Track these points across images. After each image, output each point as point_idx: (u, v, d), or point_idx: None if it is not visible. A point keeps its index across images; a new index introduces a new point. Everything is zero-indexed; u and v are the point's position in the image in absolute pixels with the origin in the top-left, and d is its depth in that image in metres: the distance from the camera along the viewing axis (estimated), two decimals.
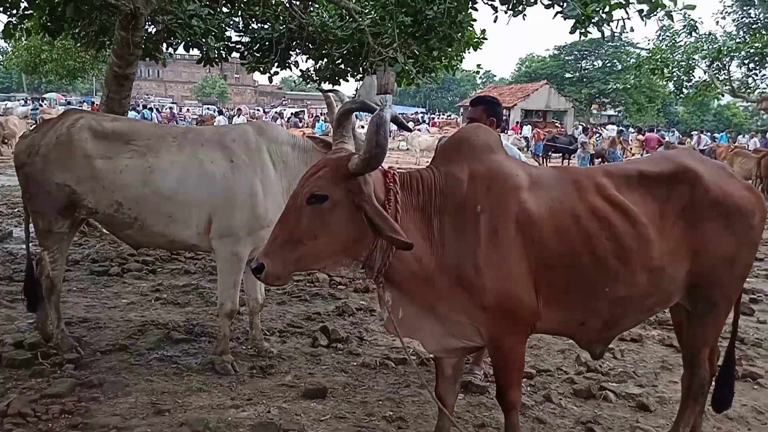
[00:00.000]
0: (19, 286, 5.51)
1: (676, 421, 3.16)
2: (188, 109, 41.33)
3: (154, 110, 29.74)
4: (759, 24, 14.92)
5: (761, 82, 16.05)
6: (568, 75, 51.31)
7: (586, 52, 50.78)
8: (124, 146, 3.89)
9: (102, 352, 4.16)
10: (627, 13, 6.67)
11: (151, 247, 5.30)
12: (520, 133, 26.76)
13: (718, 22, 15.98)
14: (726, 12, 15.94)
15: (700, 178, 2.76)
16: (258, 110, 45.53)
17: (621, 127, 38.19)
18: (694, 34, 15.53)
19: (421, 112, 52.34)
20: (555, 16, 6.71)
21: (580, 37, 6.96)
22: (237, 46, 9.47)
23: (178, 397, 3.59)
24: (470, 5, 7.07)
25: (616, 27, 6.57)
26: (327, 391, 3.73)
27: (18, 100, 43.64)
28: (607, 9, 6.36)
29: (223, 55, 9.41)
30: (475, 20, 8.26)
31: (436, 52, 7.94)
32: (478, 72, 14.37)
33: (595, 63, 51.34)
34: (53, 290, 4.02)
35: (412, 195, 2.53)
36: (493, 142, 2.69)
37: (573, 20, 6.49)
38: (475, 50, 9.49)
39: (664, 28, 15.35)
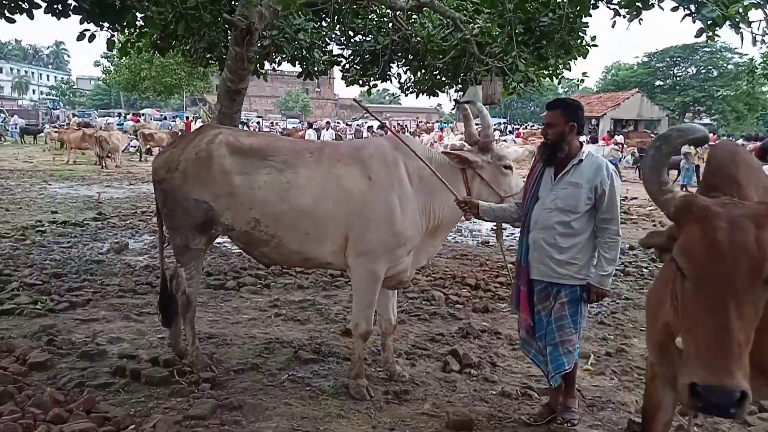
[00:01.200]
0: (143, 299, 5.62)
1: None
2: (273, 123, 42.37)
3: (244, 124, 30.55)
4: None
5: None
6: (659, 83, 49.15)
7: (678, 59, 48.52)
8: (261, 162, 3.81)
9: (234, 371, 4.09)
10: (765, 13, 6.16)
11: (285, 265, 5.25)
12: (613, 143, 25.66)
13: None
14: None
15: None
16: (339, 123, 46.18)
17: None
18: None
19: (504, 123, 51.48)
20: (683, 19, 6.25)
21: (707, 39, 6.46)
22: (339, 60, 9.45)
23: (318, 423, 3.44)
24: (589, 10, 6.68)
25: (757, 28, 6.04)
26: (473, 423, 3.48)
27: (115, 116, 46.21)
28: (740, 9, 5.87)
29: (324, 69, 9.43)
30: (588, 26, 7.87)
31: (553, 59, 7.59)
32: (583, 80, 13.81)
33: (688, 70, 48.91)
34: (189, 307, 3.99)
35: None
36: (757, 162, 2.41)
37: (702, 24, 6.03)
38: (584, 58, 9.05)
39: None
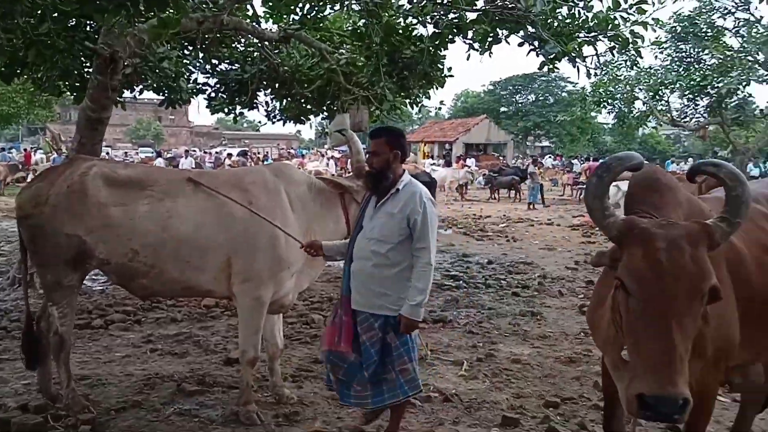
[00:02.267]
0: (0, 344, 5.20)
1: None
2: (126, 153, 40.20)
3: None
4: (692, 58, 15.96)
5: (696, 112, 17.16)
6: (504, 109, 53.06)
7: (520, 87, 52.74)
8: (140, 192, 3.75)
9: (115, 410, 3.92)
10: (596, 49, 7.05)
11: (164, 296, 5.13)
12: (468, 166, 27.33)
13: (656, 56, 17.05)
14: (662, 47, 17.00)
15: None
16: (195, 151, 44.82)
17: (550, 157, 39.90)
18: (635, 68, 16.49)
19: (363, 149, 52.73)
20: (528, 53, 6.97)
21: (549, 71, 7.26)
22: (204, 88, 9.35)
23: None
24: (449, 43, 7.24)
25: (590, 63, 6.89)
26: None
27: None
28: (576, 46, 6.68)
29: (188, 97, 9.28)
30: (445, 58, 8.46)
31: (415, 89, 8.08)
32: (440, 108, 14.64)
33: (529, 97, 53.32)
34: (63, 347, 3.78)
35: None
36: (675, 180, 2.58)
37: (543, 58, 6.78)
38: (442, 87, 9.69)
39: (606, 63, 16.26)
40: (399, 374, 3.29)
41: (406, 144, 3.50)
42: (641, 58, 14.56)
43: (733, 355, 2.47)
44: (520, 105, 53.27)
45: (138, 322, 6.05)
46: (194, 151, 44.83)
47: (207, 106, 9.91)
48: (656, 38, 16.35)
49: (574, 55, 6.38)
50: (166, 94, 8.66)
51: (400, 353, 3.28)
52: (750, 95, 15.94)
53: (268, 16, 8.24)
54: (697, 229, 2.02)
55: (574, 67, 6.69)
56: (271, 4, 7.90)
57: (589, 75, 6.81)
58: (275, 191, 3.94)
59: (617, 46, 6.41)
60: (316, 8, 7.54)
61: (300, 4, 7.68)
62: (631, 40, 6.32)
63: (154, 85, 8.25)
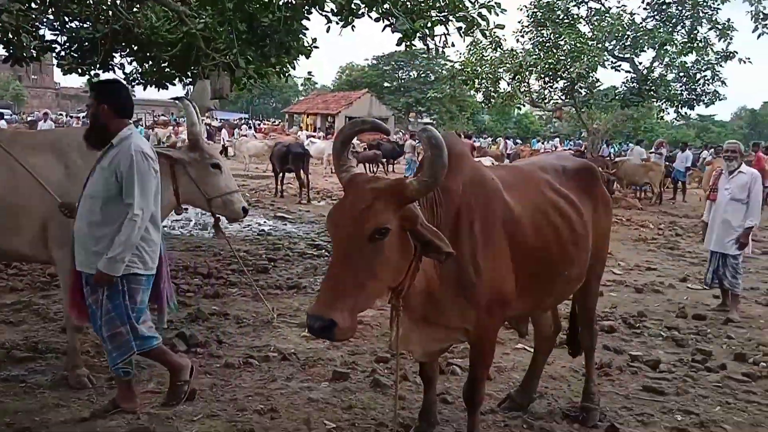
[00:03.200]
0: None
1: (589, 371, 3.77)
2: None
3: None
4: (550, 43, 17.03)
5: (554, 94, 18.39)
6: (386, 84, 53.64)
7: (402, 63, 53.48)
8: None
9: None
10: (447, 29, 7.40)
11: None
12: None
13: (518, 39, 18.04)
14: (524, 31, 17.98)
15: (597, 173, 3.47)
16: (62, 115, 41.72)
17: None
18: (498, 50, 17.35)
19: (245, 118, 51.51)
20: (384, 29, 7.19)
21: (406, 48, 7.56)
22: (53, 46, 8.77)
23: (34, 414, 3.41)
24: (305, 15, 7.29)
25: (439, 42, 7.24)
26: (195, 393, 3.75)
27: None
28: (429, 25, 7.00)
29: (34, 55, 8.68)
30: (307, 29, 8.49)
31: (273, 59, 8.07)
32: (309, 79, 14.62)
33: (411, 73, 54.22)
34: None
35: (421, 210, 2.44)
36: (467, 150, 2.84)
37: (400, 34, 7.03)
38: (307, 58, 9.67)
39: (474, 42, 16.95)
40: (109, 340, 3.20)
41: (123, 97, 3.31)
42: (486, 39, 15.29)
43: (508, 305, 2.81)
44: (402, 81, 54.11)
45: None
46: (61, 114, 41.78)
47: (57, 66, 9.33)
48: (518, 22, 17.39)
49: (425, 34, 6.66)
50: (11, 51, 8.07)
51: (111, 317, 3.17)
52: (598, 80, 17.35)
53: None
54: (391, 184, 2.27)
55: (425, 44, 6.98)
56: None
57: (436, 52, 7.15)
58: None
59: (464, 26, 6.76)
60: None
61: None
62: (476, 22, 6.69)
63: None
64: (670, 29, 17.10)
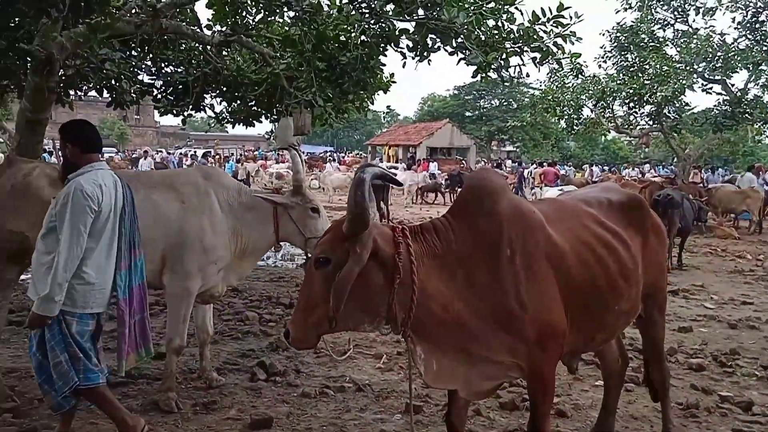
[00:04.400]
0: None
1: (664, 411, 3.69)
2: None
3: (53, 154, 28.22)
4: (635, 67, 16.56)
5: (640, 119, 17.81)
6: (468, 114, 53.65)
7: (483, 92, 53.40)
8: None
9: (38, 399, 4.08)
10: (522, 60, 7.40)
11: None
12: (428, 170, 27.72)
13: (600, 65, 17.67)
14: (606, 56, 17.60)
15: (646, 204, 3.41)
16: (161, 151, 44.41)
17: (516, 162, 40.67)
18: (580, 76, 17.04)
19: (330, 151, 52.93)
20: (459, 62, 7.29)
21: (480, 80, 7.60)
22: (150, 89, 9.45)
23: None
24: (380, 52, 7.51)
25: (514, 72, 7.24)
26: (272, 421, 3.89)
27: None
28: (503, 56, 7.03)
29: (134, 98, 9.38)
30: (384, 65, 8.73)
31: (351, 95, 8.33)
32: (388, 112, 14.93)
33: (492, 102, 54.02)
34: None
35: (427, 245, 2.59)
36: (504, 183, 2.85)
37: (475, 66, 7.10)
38: (385, 93, 9.96)
39: (554, 70, 16.75)
40: (52, 368, 3.20)
41: (85, 133, 3.40)
42: (561, 68, 15.11)
43: (561, 339, 2.74)
44: (483, 110, 53.97)
45: None
46: (160, 151, 44.57)
47: (155, 108, 10.03)
48: (600, 47, 17.06)
49: (499, 65, 6.69)
50: (113, 96, 8.78)
51: (51, 346, 3.19)
52: (687, 104, 16.60)
53: (214, 20, 8.41)
54: (336, 222, 2.56)
55: (500, 76, 7.01)
56: (216, 8, 8.08)
57: (511, 83, 7.16)
58: (205, 193, 4.25)
59: (539, 57, 6.74)
60: (259, 15, 7.75)
61: (245, 10, 7.89)
62: (551, 52, 6.66)
63: (98, 86, 8.35)
64: (766, 48, 16.23)
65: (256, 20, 7.99)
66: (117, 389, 4.36)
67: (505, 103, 52.97)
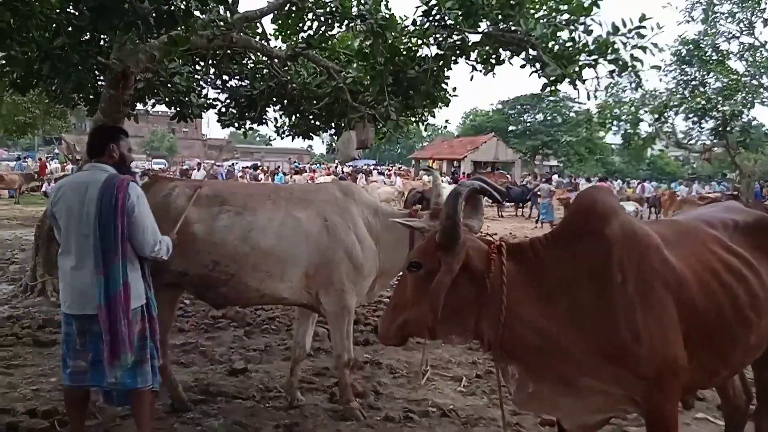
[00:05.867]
0: (9, 351, 5.33)
1: None
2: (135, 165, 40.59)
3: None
4: (697, 81, 16.07)
5: (702, 134, 17.24)
6: (512, 128, 53.15)
7: (528, 107, 52.84)
8: (220, 207, 3.99)
9: (120, 417, 4.03)
10: (596, 72, 7.18)
11: (238, 304, 5.24)
12: None
13: (660, 79, 17.20)
14: (667, 70, 17.15)
15: None
16: (209, 163, 45.08)
17: (560, 178, 40.05)
18: (639, 90, 16.65)
19: (373, 164, 53.10)
20: (530, 74, 7.10)
21: (550, 93, 7.39)
22: (215, 103, 9.53)
23: None
24: (452, 64, 7.38)
25: (590, 85, 7.02)
26: None
27: None
28: (577, 69, 6.81)
29: (199, 112, 9.47)
30: (448, 78, 8.61)
31: (419, 109, 8.23)
32: (446, 126, 14.81)
33: (537, 116, 53.41)
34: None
35: (524, 266, 2.47)
36: (616, 203, 2.62)
37: (545, 79, 6.90)
38: (447, 106, 9.84)
39: (612, 84, 16.40)
40: None
41: (90, 139, 3.40)
42: (641, 81, 14.81)
43: (678, 376, 2.48)
44: (528, 124, 53.38)
45: None
46: (208, 163, 45.35)
47: (218, 121, 10.08)
48: (660, 61, 16.62)
49: (574, 77, 6.49)
50: (177, 109, 8.87)
51: None
52: (755, 118, 16.03)
53: (277, 34, 8.44)
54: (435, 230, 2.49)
55: (575, 89, 6.79)
56: (280, 22, 8.10)
57: (589, 97, 6.93)
58: (346, 208, 4.24)
59: (617, 69, 6.51)
60: (323, 28, 7.73)
61: (308, 23, 7.89)
62: (630, 64, 6.43)
63: (166, 100, 8.44)
64: None
65: (322, 33, 7.99)
66: (197, 407, 4.29)
67: (549, 118, 52.33)
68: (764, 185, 23.80)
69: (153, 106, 9.10)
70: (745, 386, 3.40)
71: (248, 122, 9.56)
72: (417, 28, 6.56)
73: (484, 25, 6.57)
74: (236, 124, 9.80)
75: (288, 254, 4.00)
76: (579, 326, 2.39)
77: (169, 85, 8.30)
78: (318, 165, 43.46)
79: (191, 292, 4.23)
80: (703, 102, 15.07)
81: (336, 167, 38.07)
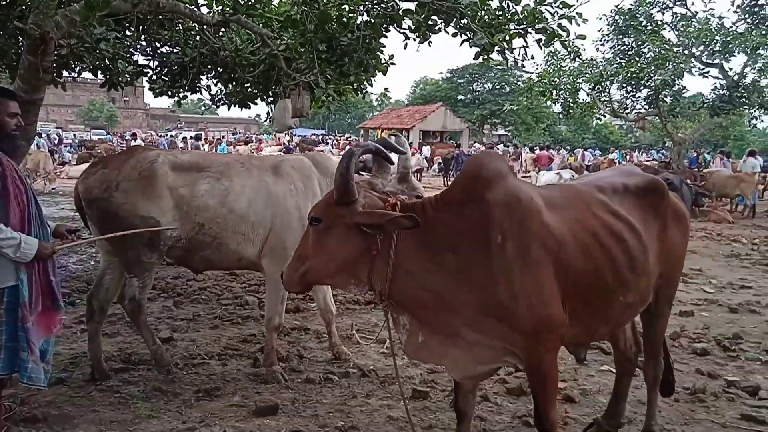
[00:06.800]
0: None
1: (650, 407, 3.58)
2: (74, 135, 39.15)
3: (43, 135, 27.81)
4: (633, 51, 16.47)
5: (637, 103, 17.75)
6: (461, 97, 53.44)
7: (476, 75, 53.17)
8: (199, 173, 4.28)
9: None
10: (526, 42, 7.30)
11: (219, 268, 5.34)
12: (420, 153, 27.65)
13: (598, 48, 17.59)
14: (604, 40, 17.50)
15: (665, 189, 3.22)
16: (151, 134, 44.01)
17: (506, 147, 40.71)
18: (577, 59, 16.95)
19: (321, 134, 52.67)
20: (462, 43, 7.18)
21: (483, 61, 7.49)
22: (145, 70, 9.27)
23: (127, 425, 3.57)
24: (383, 33, 7.38)
25: (518, 54, 7.14)
26: (278, 408, 3.83)
27: None
28: (507, 38, 6.92)
29: (129, 80, 9.21)
30: (384, 46, 8.60)
31: (352, 77, 8.21)
32: (383, 94, 14.80)
33: (485, 86, 53.80)
34: (140, 311, 4.28)
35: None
36: (503, 168, 2.71)
37: (478, 48, 6.99)
38: (384, 75, 9.81)
39: (552, 54, 16.65)
40: None
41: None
42: (579, 50, 15.13)
43: (555, 331, 2.62)
44: (476, 93, 53.76)
45: (72, 304, 6.08)
46: (150, 134, 44.17)
47: (150, 89, 9.85)
48: (598, 30, 16.99)
49: (503, 47, 6.59)
50: (108, 77, 8.60)
51: None
52: (685, 87, 16.63)
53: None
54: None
55: (504, 58, 6.91)
56: None
57: (516, 65, 7.07)
58: (309, 178, 4.49)
59: (544, 38, 6.64)
60: None
61: None
62: (556, 33, 6.56)
63: (92, 67, 8.17)
64: (764, 32, 16.15)
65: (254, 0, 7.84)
66: (118, 375, 4.31)
67: (498, 87, 52.80)
68: (700, 153, 24.73)
69: (79, 73, 8.79)
70: (636, 339, 3.63)
71: (181, 90, 9.36)
72: None
73: None
74: (169, 92, 9.57)
75: (258, 217, 4.28)
76: (463, 283, 2.53)
77: (95, 51, 8.03)
78: (266, 135, 42.82)
79: (173, 258, 4.42)
80: (636, 71, 15.50)
81: (284, 138, 37.71)
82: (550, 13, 6.61)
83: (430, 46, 8.04)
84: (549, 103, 21.29)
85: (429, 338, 2.67)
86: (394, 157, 3.08)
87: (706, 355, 5.20)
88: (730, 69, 16.76)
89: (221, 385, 4.21)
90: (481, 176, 2.61)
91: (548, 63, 17.61)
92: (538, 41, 6.91)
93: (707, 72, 16.83)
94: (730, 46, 15.75)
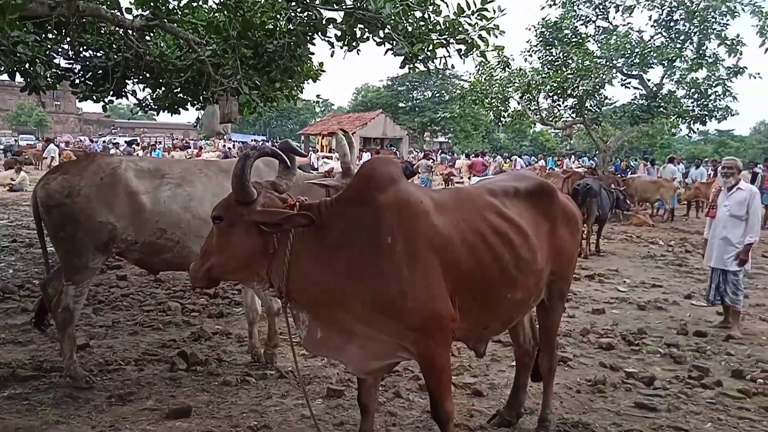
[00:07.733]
0: None
1: (546, 396, 3.78)
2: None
3: None
4: (559, 62, 17.12)
5: (564, 112, 18.45)
6: (401, 104, 53.98)
7: (416, 83, 53.84)
8: (161, 180, 4.36)
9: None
10: (448, 51, 7.54)
11: (180, 270, 5.18)
12: (360, 160, 27.80)
13: (526, 59, 18.21)
14: (532, 50, 18.14)
15: (554, 192, 3.45)
16: (83, 140, 42.59)
17: (444, 154, 41.38)
18: (507, 69, 17.49)
19: (262, 140, 52.15)
20: (386, 53, 7.36)
21: (409, 70, 7.69)
22: (67, 74, 9.07)
23: (34, 431, 3.52)
24: (308, 41, 7.49)
25: (439, 63, 7.38)
26: (191, 410, 3.87)
27: None
28: (430, 47, 7.15)
29: (51, 83, 8.98)
30: (313, 54, 8.70)
31: (278, 83, 8.27)
32: (317, 102, 14.88)
33: (425, 93, 54.55)
34: (71, 322, 4.23)
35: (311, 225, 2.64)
36: (395, 172, 2.84)
37: (402, 57, 7.19)
38: (314, 81, 9.95)
39: (483, 63, 17.11)
40: None
41: None
42: (508, 60, 15.67)
43: (444, 327, 2.77)
44: (416, 101, 54.44)
45: None
46: (81, 139, 42.66)
47: (73, 93, 9.64)
48: (526, 41, 17.62)
49: (423, 56, 6.80)
50: (27, 81, 8.37)
51: None
52: (607, 97, 17.39)
53: (135, 4, 8.14)
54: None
55: (426, 67, 7.12)
56: None
57: (437, 73, 7.31)
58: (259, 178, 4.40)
59: (464, 48, 6.88)
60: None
61: None
62: (476, 44, 6.82)
63: (10, 71, 7.94)
64: (679, 45, 17.11)
65: (180, 5, 7.82)
66: (28, 383, 4.24)
67: (437, 95, 53.62)
68: (625, 160, 25.79)
69: None
70: (534, 333, 3.85)
71: (106, 95, 9.19)
72: (269, 2, 6.60)
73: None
74: (94, 97, 9.39)
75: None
76: (355, 281, 2.67)
77: (12, 55, 7.81)
78: (205, 141, 42.09)
79: (132, 260, 4.50)
80: (562, 81, 16.12)
81: (224, 145, 37.19)
82: (470, 24, 6.88)
83: (358, 54, 8.15)
84: (485, 111, 21.82)
85: (326, 334, 2.79)
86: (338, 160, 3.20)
87: (611, 349, 5.51)
88: (649, 80, 17.66)
89: (135, 389, 4.20)
90: (374, 180, 2.75)
91: (480, 73, 18.11)
92: (458, 51, 7.19)
93: (628, 83, 17.67)
94: (647, 58, 16.58)
